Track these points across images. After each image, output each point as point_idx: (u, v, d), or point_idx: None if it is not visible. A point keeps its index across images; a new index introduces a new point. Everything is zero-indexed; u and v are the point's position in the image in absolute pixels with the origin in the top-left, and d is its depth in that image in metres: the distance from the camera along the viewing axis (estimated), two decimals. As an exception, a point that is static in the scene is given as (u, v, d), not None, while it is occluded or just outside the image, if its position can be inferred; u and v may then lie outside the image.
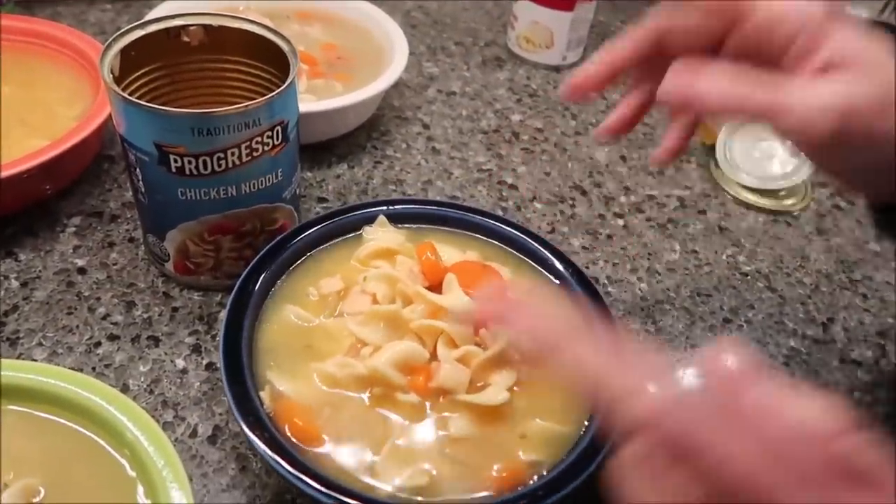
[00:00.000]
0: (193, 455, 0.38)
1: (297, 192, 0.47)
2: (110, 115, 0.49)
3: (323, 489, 0.32)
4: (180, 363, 0.42)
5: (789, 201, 0.61)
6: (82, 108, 0.53)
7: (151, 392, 0.41)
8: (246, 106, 0.38)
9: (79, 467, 0.32)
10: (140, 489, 0.31)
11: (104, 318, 0.44)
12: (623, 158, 0.64)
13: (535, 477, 0.35)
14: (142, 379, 0.41)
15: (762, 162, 0.61)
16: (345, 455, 0.35)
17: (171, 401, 0.41)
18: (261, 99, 0.39)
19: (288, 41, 0.43)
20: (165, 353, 0.43)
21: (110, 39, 0.41)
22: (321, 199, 0.55)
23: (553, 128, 0.66)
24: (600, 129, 0.39)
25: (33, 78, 0.56)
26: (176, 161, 0.39)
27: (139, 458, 0.31)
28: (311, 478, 0.32)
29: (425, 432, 0.36)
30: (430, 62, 0.73)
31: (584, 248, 0.55)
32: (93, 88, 0.54)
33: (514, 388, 0.38)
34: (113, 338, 0.43)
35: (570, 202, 0.58)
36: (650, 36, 0.35)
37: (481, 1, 0.85)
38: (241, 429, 0.34)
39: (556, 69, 0.74)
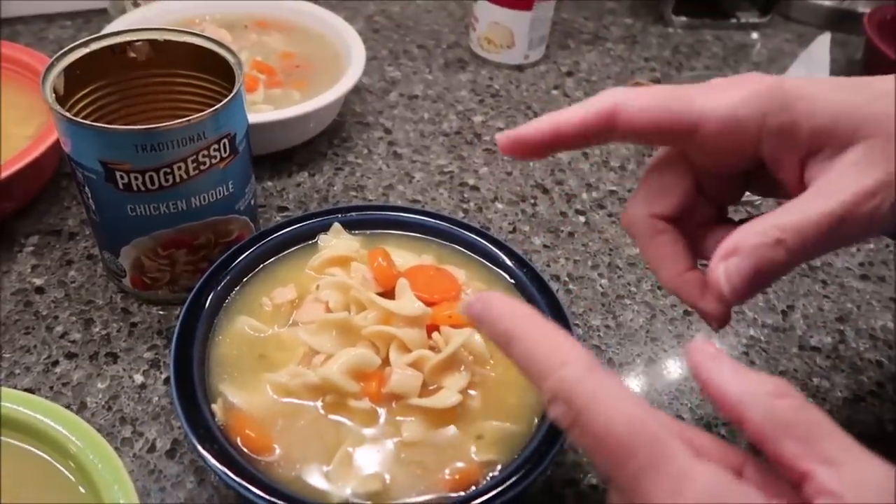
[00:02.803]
0: (151, 470, 0.38)
1: (253, 202, 0.47)
2: (63, 134, 0.49)
3: (274, 500, 0.32)
4: (139, 378, 0.43)
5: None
6: (37, 126, 0.53)
7: (110, 409, 0.41)
8: (188, 120, 0.38)
9: (30, 489, 0.32)
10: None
11: (62, 336, 0.44)
12: (585, 155, 0.64)
13: (489, 476, 0.35)
14: (100, 396, 0.41)
15: (721, 153, 0.62)
16: (297, 464, 0.35)
17: (130, 416, 0.41)
18: (204, 112, 0.39)
19: (234, 53, 0.43)
20: (124, 369, 0.43)
21: (52, 59, 0.41)
22: (282, 209, 0.55)
23: (515, 127, 0.66)
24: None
25: (-12, 98, 0.56)
26: (122, 177, 0.39)
27: (82, 466, 0.31)
28: (262, 489, 0.32)
29: (378, 438, 0.36)
30: (393, 66, 0.73)
31: (545, 246, 0.55)
32: (46, 106, 0.54)
33: (468, 390, 0.38)
34: (71, 356, 0.43)
35: (532, 201, 0.59)
36: (603, 108, 0.31)
37: (444, 3, 0.86)
38: (191, 442, 0.34)
39: (519, 68, 0.75)
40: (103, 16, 0.73)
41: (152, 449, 0.39)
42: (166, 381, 0.43)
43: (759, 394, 0.23)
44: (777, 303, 0.52)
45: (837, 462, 0.22)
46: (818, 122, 0.29)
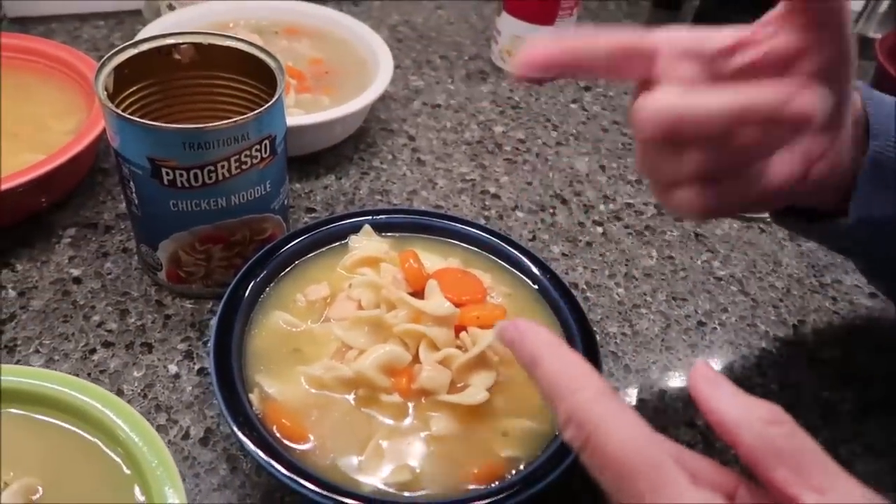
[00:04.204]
0: (186, 456, 0.40)
1: (286, 202, 0.49)
2: (104, 130, 0.50)
3: (310, 486, 0.33)
4: (173, 368, 0.44)
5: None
6: (75, 122, 0.55)
7: (145, 396, 0.42)
8: (235, 121, 0.40)
9: (76, 467, 0.34)
10: (136, 488, 0.33)
11: (99, 325, 0.46)
12: (602, 168, 0.66)
13: (513, 472, 0.36)
14: (136, 384, 0.43)
15: (736, 170, 0.63)
16: (331, 453, 0.36)
17: (164, 404, 0.42)
18: (250, 114, 0.41)
19: (275, 58, 0.45)
20: (158, 359, 0.44)
21: (104, 58, 0.42)
22: (309, 210, 0.57)
23: (535, 139, 0.68)
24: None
25: (26, 93, 0.58)
26: (168, 174, 0.41)
27: (133, 457, 0.33)
28: (298, 475, 0.34)
29: (408, 431, 0.38)
30: (416, 75, 0.75)
31: (563, 254, 0.56)
32: (85, 103, 0.56)
33: (493, 389, 0.39)
34: (107, 345, 0.45)
35: (551, 211, 0.60)
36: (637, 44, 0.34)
37: (465, 15, 0.88)
38: (231, 430, 0.35)
39: (539, 82, 0.76)
40: (136, 17, 0.75)
41: (186, 436, 0.41)
42: (199, 371, 0.44)
43: (753, 419, 0.25)
44: (788, 317, 0.54)
45: (824, 489, 0.23)
46: None
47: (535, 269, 0.46)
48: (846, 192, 0.37)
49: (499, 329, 0.31)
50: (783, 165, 0.34)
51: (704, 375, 0.27)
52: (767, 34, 0.32)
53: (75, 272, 0.49)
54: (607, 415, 0.26)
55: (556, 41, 0.34)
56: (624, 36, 0.34)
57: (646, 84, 0.34)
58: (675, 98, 0.31)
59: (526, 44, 0.35)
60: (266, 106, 0.41)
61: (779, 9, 0.33)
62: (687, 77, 0.33)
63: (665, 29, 0.34)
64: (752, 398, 0.26)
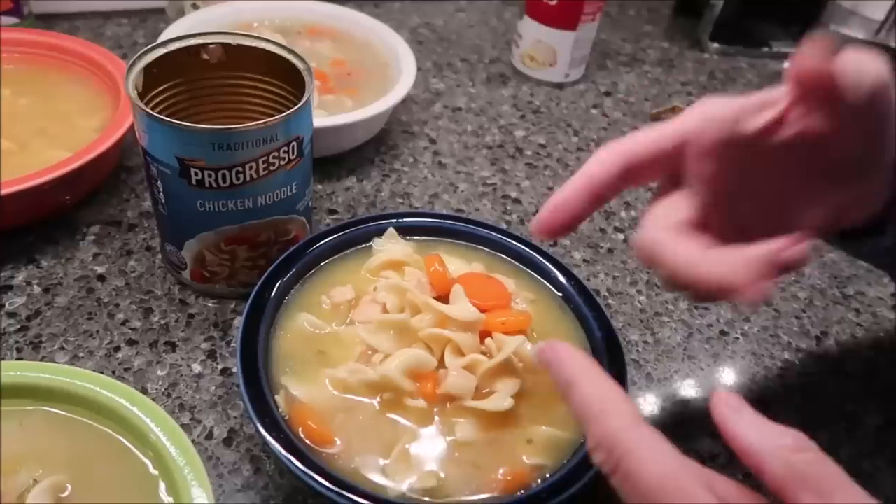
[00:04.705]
0: (209, 456, 0.40)
1: (310, 204, 0.49)
2: (130, 128, 0.51)
3: (336, 489, 0.33)
4: (196, 368, 0.44)
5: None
6: (101, 119, 0.55)
7: (169, 395, 0.42)
8: (265, 122, 0.40)
9: (103, 466, 0.34)
10: (162, 487, 0.33)
11: (123, 323, 0.46)
12: (624, 174, 0.66)
13: (539, 480, 0.36)
14: (160, 382, 0.43)
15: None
16: (356, 457, 0.36)
17: (188, 404, 0.42)
18: (279, 116, 0.41)
19: (304, 60, 0.45)
20: (182, 358, 0.44)
21: (135, 57, 0.42)
22: (331, 211, 0.57)
23: (556, 143, 0.68)
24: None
25: (52, 90, 0.58)
26: (196, 174, 0.41)
27: (161, 457, 0.33)
28: (324, 478, 0.34)
29: (433, 436, 0.37)
30: (437, 78, 0.75)
31: (585, 261, 0.56)
32: (110, 100, 0.56)
33: (518, 396, 0.39)
34: (132, 343, 0.45)
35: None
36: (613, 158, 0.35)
37: (486, 18, 0.87)
38: (258, 431, 0.35)
39: (560, 86, 0.76)
40: (160, 15, 0.75)
41: (210, 436, 0.41)
42: (223, 371, 0.44)
43: (778, 447, 0.25)
44: (811, 328, 0.53)
45: None
46: None
47: (559, 276, 0.46)
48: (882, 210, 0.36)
49: (536, 350, 0.32)
50: (813, 219, 0.34)
51: (726, 402, 0.27)
52: (800, 113, 0.31)
53: (99, 269, 0.49)
54: (640, 442, 0.26)
55: (567, 197, 0.35)
56: (649, 145, 0.34)
57: (672, 180, 0.35)
58: (652, 239, 0.33)
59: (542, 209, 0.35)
60: (295, 108, 0.41)
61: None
62: (712, 177, 0.33)
63: (696, 110, 0.34)
64: (775, 425, 0.26)
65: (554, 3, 0.70)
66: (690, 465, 0.26)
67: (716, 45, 0.88)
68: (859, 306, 0.56)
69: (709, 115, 0.33)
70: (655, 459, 0.25)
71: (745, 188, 0.34)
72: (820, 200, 0.34)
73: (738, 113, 0.32)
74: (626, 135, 0.34)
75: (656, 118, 0.74)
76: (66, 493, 0.32)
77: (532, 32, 0.74)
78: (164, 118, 0.40)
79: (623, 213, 0.61)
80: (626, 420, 0.27)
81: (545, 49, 0.74)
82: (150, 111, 0.40)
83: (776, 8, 0.87)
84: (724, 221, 0.34)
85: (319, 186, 0.59)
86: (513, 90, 0.75)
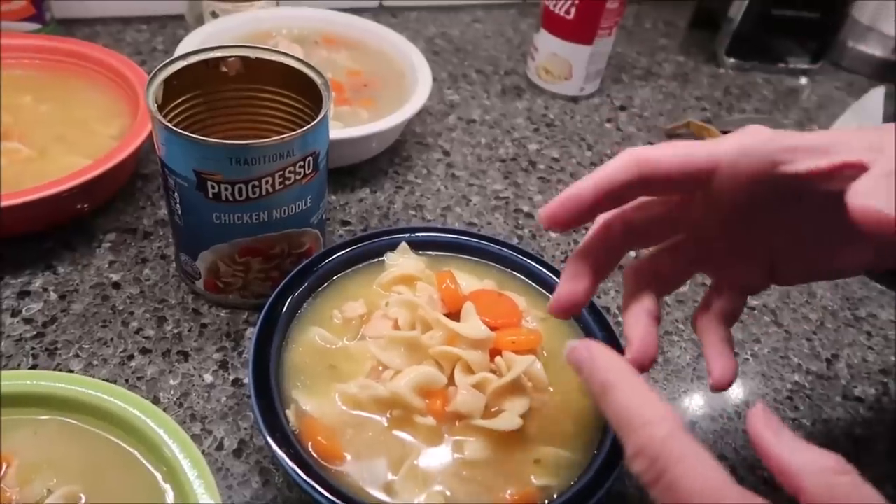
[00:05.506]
0: (219, 467, 0.40)
1: (324, 216, 0.49)
2: (147, 137, 0.51)
3: (344, 506, 0.34)
4: (208, 378, 0.44)
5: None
6: (119, 126, 0.56)
7: (181, 405, 0.43)
8: (282, 138, 0.40)
9: (114, 476, 0.34)
10: (170, 498, 0.33)
11: (137, 331, 0.46)
12: (636, 190, 0.66)
13: (546, 501, 0.36)
14: (172, 392, 0.43)
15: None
16: (364, 474, 0.36)
17: (199, 414, 0.43)
18: (297, 131, 0.41)
19: (322, 75, 0.45)
20: (194, 368, 0.45)
21: (155, 70, 0.43)
22: (344, 222, 0.57)
23: (569, 158, 0.68)
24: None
25: (72, 96, 0.59)
26: (213, 187, 0.41)
27: (173, 469, 0.33)
28: (333, 493, 0.34)
29: (441, 455, 0.38)
30: (452, 89, 0.75)
31: (596, 277, 0.56)
32: (129, 107, 0.57)
33: (527, 416, 0.39)
34: (145, 351, 0.45)
35: (584, 232, 0.60)
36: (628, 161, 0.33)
37: (502, 29, 0.88)
38: (268, 444, 0.35)
39: (574, 100, 0.77)
40: (179, 21, 0.76)
41: (220, 447, 0.41)
42: (234, 382, 0.45)
43: (818, 469, 0.25)
44: (822, 350, 0.53)
45: None
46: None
47: (570, 295, 0.46)
48: None
49: (569, 348, 0.31)
50: (853, 257, 0.33)
51: (765, 420, 0.27)
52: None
53: (115, 277, 0.50)
54: (685, 454, 0.25)
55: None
56: (675, 158, 0.32)
57: (718, 291, 0.35)
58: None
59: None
60: (312, 123, 0.42)
61: None
62: (740, 209, 0.32)
63: (735, 138, 0.32)
64: (814, 447, 0.26)
65: (571, 17, 0.71)
66: (733, 482, 0.25)
67: (732, 59, 0.88)
68: (871, 329, 0.56)
69: (748, 148, 0.30)
70: (700, 473, 0.25)
71: (778, 224, 0.33)
72: (862, 244, 0.32)
73: (783, 154, 0.29)
74: (657, 144, 0.34)
75: (671, 134, 0.74)
76: (81, 503, 0.33)
77: (548, 46, 0.74)
78: (183, 132, 0.40)
79: (635, 230, 0.61)
80: (669, 429, 0.26)
81: (561, 62, 0.74)
82: (169, 125, 0.40)
83: (794, 24, 0.87)
84: (751, 256, 0.34)
85: (333, 197, 0.59)
86: (527, 103, 0.75)
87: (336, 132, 0.56)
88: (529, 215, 0.61)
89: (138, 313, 0.47)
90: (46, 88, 0.58)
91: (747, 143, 0.31)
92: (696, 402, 0.48)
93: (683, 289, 0.56)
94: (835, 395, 0.50)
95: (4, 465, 0.33)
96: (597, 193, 0.33)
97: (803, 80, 0.89)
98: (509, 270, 0.48)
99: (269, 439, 0.36)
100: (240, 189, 0.41)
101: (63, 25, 0.72)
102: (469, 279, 0.46)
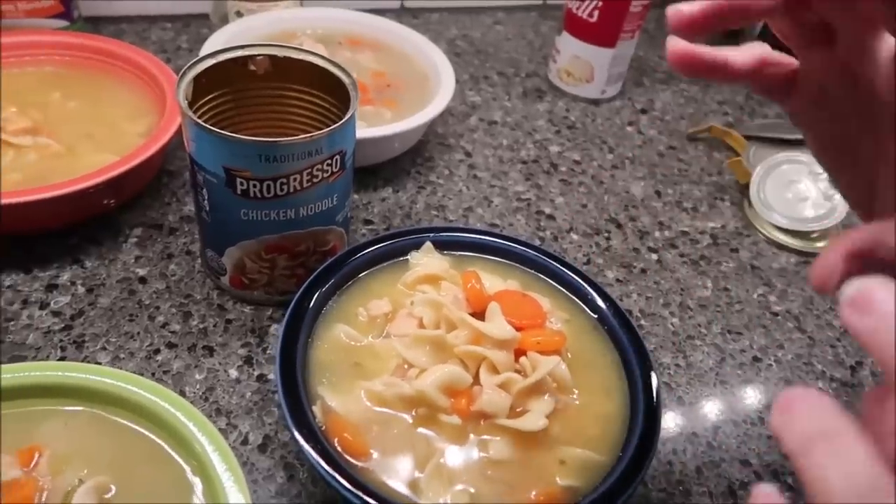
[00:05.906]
0: (244, 462, 0.41)
1: (349, 215, 0.49)
2: (174, 134, 0.52)
3: (370, 501, 0.34)
4: (233, 373, 0.45)
5: (821, 244, 0.62)
6: (147, 124, 0.56)
7: (206, 399, 0.43)
8: (310, 136, 0.41)
9: (143, 468, 0.34)
10: (198, 490, 0.33)
11: (163, 326, 0.47)
12: (658, 193, 0.66)
13: (571, 502, 0.36)
14: (197, 386, 0.44)
15: (795, 204, 0.63)
16: (390, 471, 0.37)
17: (225, 408, 0.43)
18: (325, 130, 0.41)
19: (349, 74, 0.46)
20: (219, 363, 0.45)
21: (185, 68, 0.43)
22: (367, 221, 0.58)
23: (590, 160, 0.68)
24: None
25: (100, 94, 0.59)
26: (242, 184, 0.42)
27: (202, 462, 0.34)
28: (359, 489, 0.34)
29: (467, 453, 0.38)
30: (473, 91, 0.75)
31: (618, 280, 0.56)
32: (156, 105, 0.57)
33: (552, 416, 0.39)
34: (171, 346, 0.46)
35: (606, 235, 0.60)
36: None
37: (523, 31, 0.88)
38: (295, 439, 0.36)
39: (595, 103, 0.77)
40: (203, 20, 0.77)
41: (245, 442, 0.42)
42: (259, 378, 0.45)
43: None
44: (846, 357, 0.53)
45: None
46: None
47: (594, 296, 0.46)
48: None
49: (776, 406, 0.23)
50: None
51: (767, 497, 0.22)
52: None
53: (141, 272, 0.50)
54: None
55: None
56: None
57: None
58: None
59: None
60: (340, 122, 0.42)
61: None
62: None
63: None
64: None
65: (594, 19, 0.71)
66: None
67: (753, 64, 0.87)
68: None
69: None
70: None
71: None
72: None
73: None
74: None
75: (692, 138, 0.73)
76: (111, 494, 0.33)
77: (570, 48, 0.74)
78: (213, 129, 0.40)
79: (657, 234, 0.61)
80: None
81: (582, 65, 0.74)
82: (199, 121, 0.41)
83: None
84: None
85: (356, 196, 0.59)
86: (548, 105, 0.75)
87: (360, 132, 0.56)
88: (551, 217, 0.61)
89: (164, 308, 0.48)
90: (75, 85, 0.59)
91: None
92: (718, 406, 0.48)
93: (705, 293, 0.56)
94: (858, 403, 0.50)
95: (36, 455, 0.34)
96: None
97: None
98: (533, 272, 0.49)
99: (297, 434, 0.36)
100: (268, 186, 0.42)
101: (89, 23, 0.72)
102: (493, 279, 0.46)
